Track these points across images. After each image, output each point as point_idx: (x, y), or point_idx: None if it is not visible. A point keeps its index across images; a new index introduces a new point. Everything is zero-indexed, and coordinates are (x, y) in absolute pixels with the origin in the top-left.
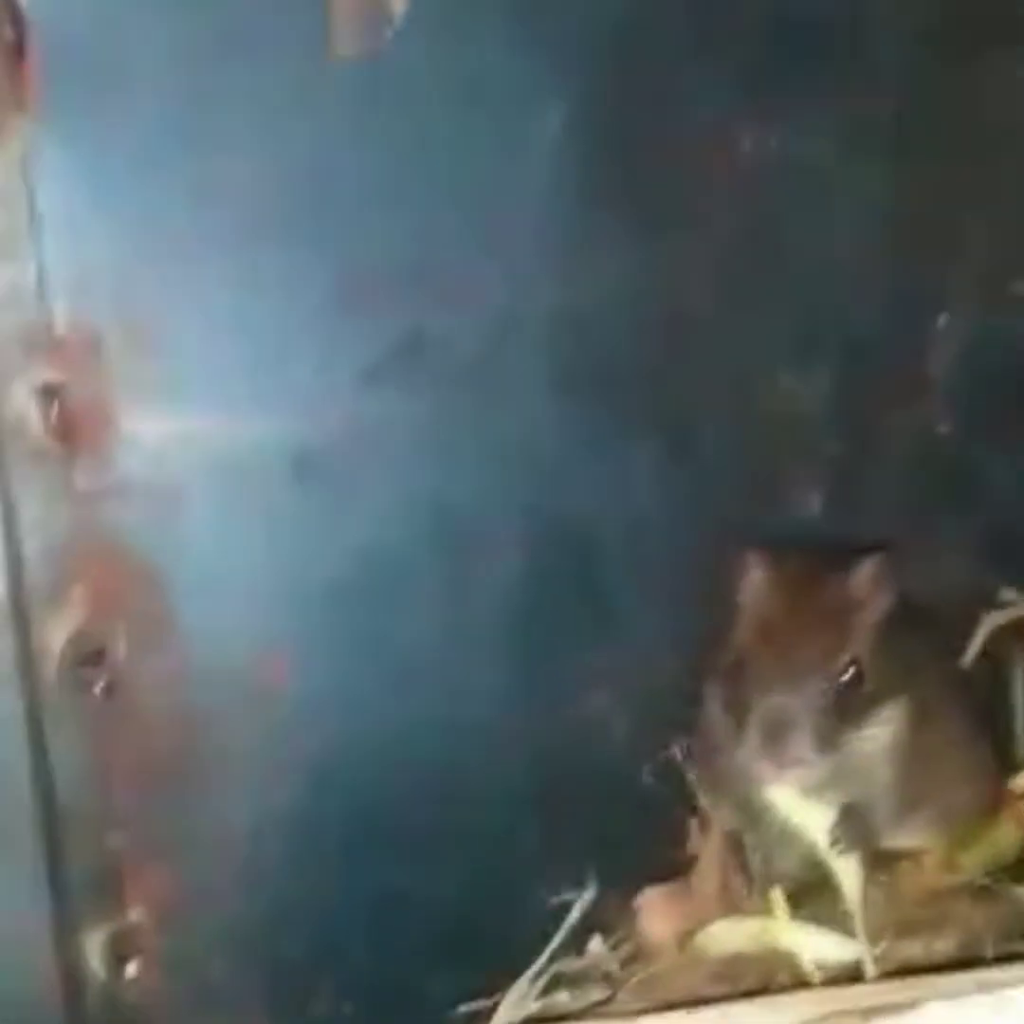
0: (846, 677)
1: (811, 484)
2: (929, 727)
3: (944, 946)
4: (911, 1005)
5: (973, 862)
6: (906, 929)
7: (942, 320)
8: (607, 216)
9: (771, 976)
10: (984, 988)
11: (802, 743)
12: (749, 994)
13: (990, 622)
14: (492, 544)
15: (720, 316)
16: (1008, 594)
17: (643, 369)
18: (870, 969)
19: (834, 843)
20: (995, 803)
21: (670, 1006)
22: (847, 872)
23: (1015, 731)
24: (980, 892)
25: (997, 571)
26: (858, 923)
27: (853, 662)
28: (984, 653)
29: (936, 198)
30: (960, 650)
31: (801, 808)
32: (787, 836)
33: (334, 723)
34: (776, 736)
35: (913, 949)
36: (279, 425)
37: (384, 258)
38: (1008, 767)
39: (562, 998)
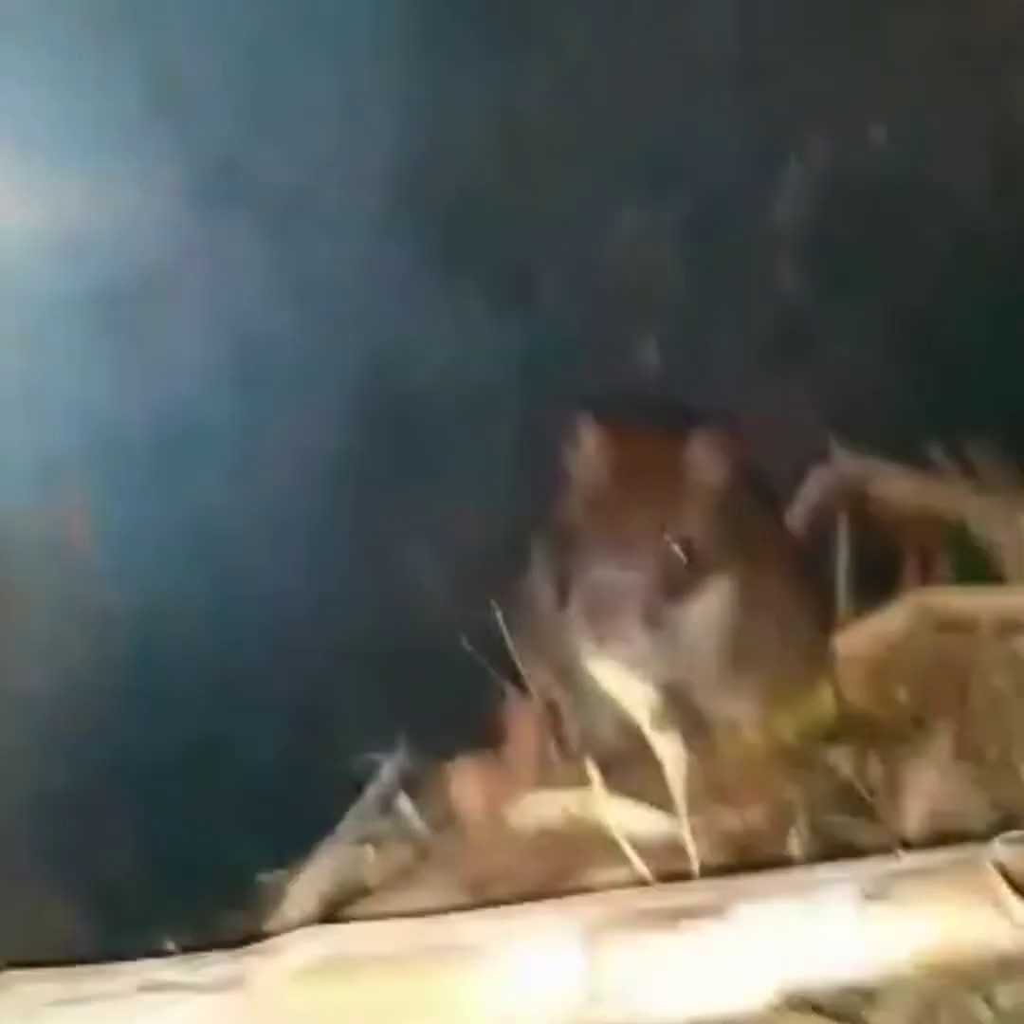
0: (675, 552)
1: (651, 337)
2: (755, 596)
3: (758, 817)
4: (719, 908)
5: (791, 728)
6: (723, 799)
7: (793, 166)
8: (443, 41)
9: (584, 851)
10: (795, 890)
11: (626, 619)
12: (546, 895)
13: (818, 478)
14: (309, 394)
15: (561, 150)
16: (837, 450)
17: (476, 207)
18: (689, 845)
19: (655, 721)
20: (815, 667)
21: (477, 881)
22: (668, 749)
23: (837, 591)
24: (796, 759)
25: (828, 427)
26: (678, 799)
27: (684, 536)
28: (810, 513)
29: (791, 41)
30: (785, 511)
31: (622, 682)
32: (606, 709)
33: (137, 580)
34: (599, 610)
35: (729, 820)
36: (82, 258)
37: (203, 78)
38: (828, 629)
39: (368, 855)
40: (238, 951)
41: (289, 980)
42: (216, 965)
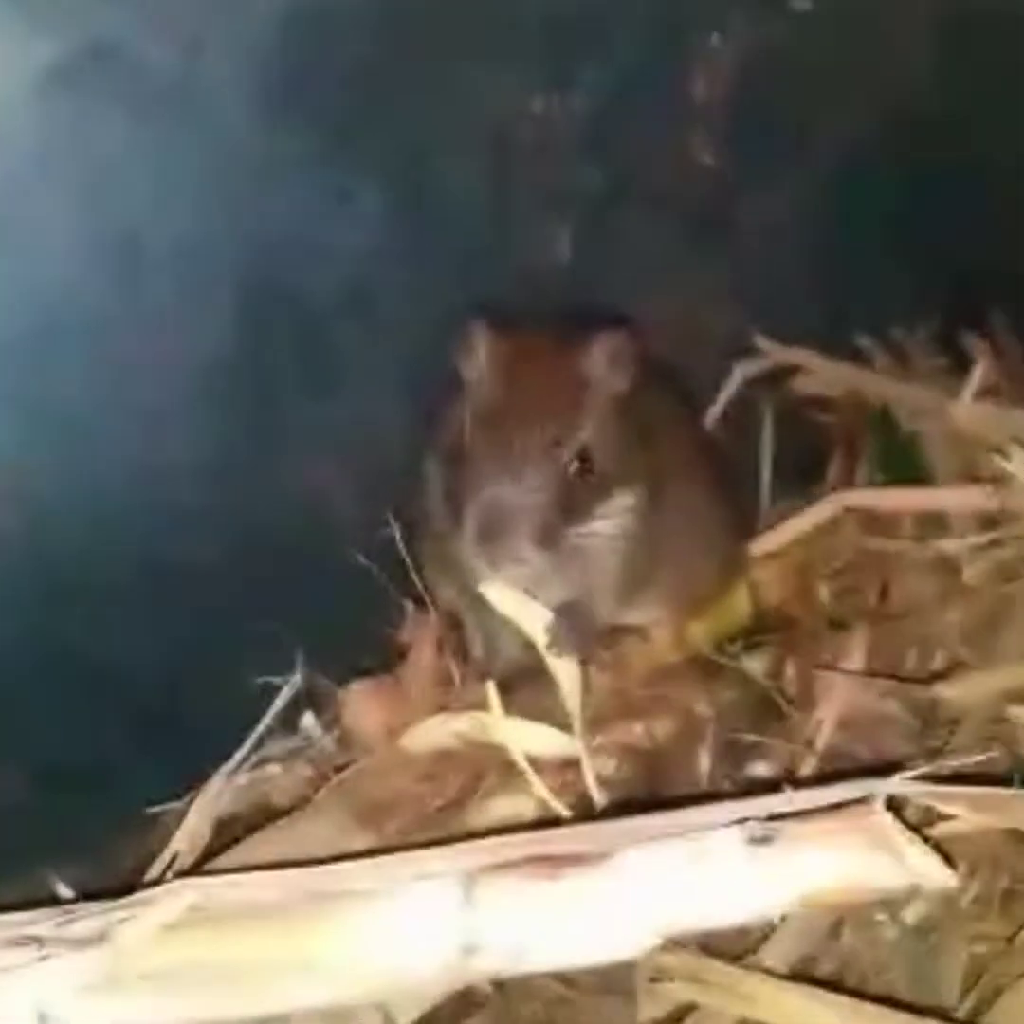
0: (572, 467)
1: (558, 230)
2: (664, 505)
3: (668, 731)
4: (603, 856)
5: (704, 634)
6: (628, 712)
7: (714, 38)
8: None
9: (481, 774)
10: (682, 834)
11: (519, 541)
12: (441, 825)
13: (741, 373)
14: (193, 293)
15: (459, 22)
16: (761, 341)
17: (368, 87)
18: (587, 771)
19: (551, 644)
20: (730, 571)
21: (373, 810)
22: (565, 672)
23: (760, 489)
24: (708, 667)
25: (751, 318)
26: (575, 724)
27: (581, 450)
28: (731, 411)
29: None
30: (703, 412)
31: (516, 604)
32: (503, 630)
33: (10, 490)
34: (493, 531)
35: (637, 736)
36: None
37: None
38: (747, 530)
39: (272, 771)
40: (108, 904)
41: (155, 936)
42: (85, 920)
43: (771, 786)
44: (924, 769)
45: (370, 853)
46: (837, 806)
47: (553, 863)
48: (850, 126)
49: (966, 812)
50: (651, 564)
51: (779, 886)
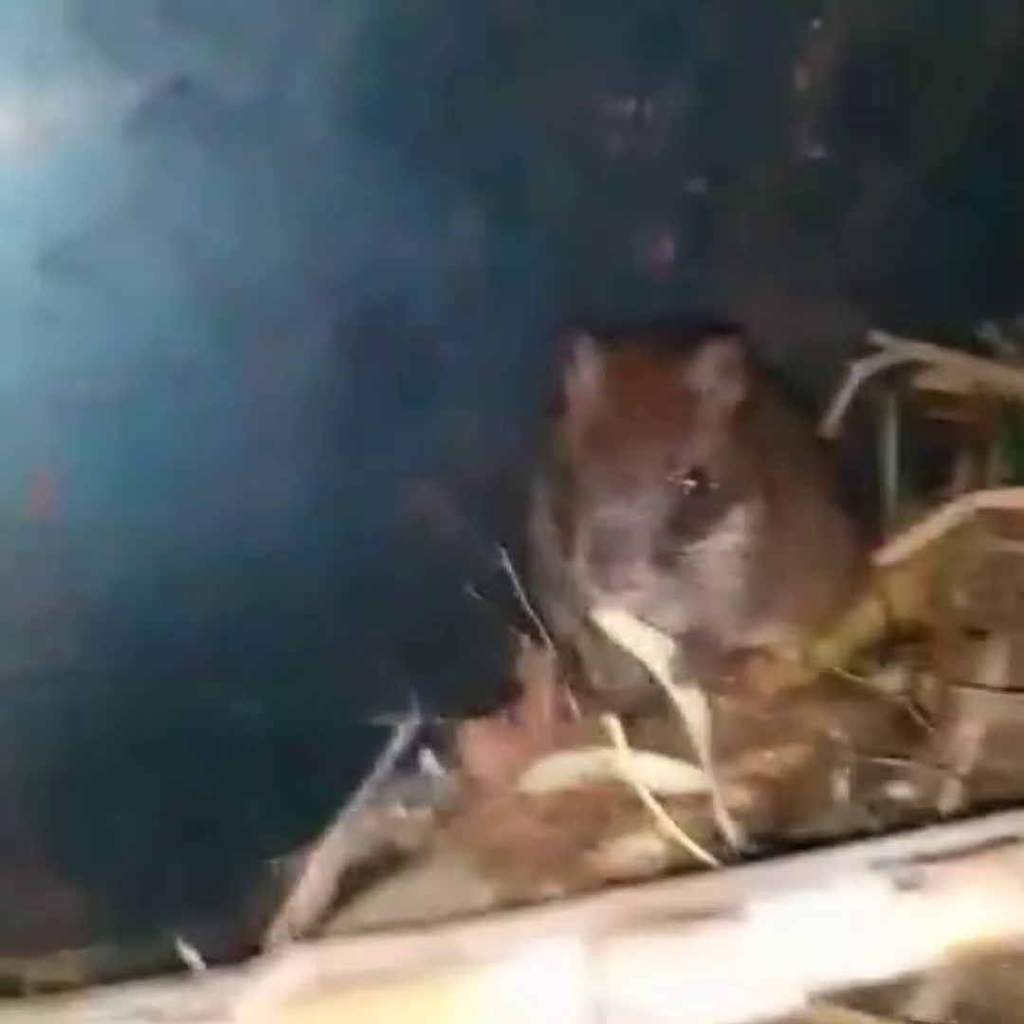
0: (686, 484)
1: (661, 232)
2: (784, 518)
3: (797, 758)
4: (736, 907)
5: (832, 652)
6: (757, 739)
7: (816, 23)
8: None
9: (606, 813)
10: (820, 881)
11: (636, 562)
12: (567, 868)
13: (859, 372)
14: (287, 324)
15: (547, 24)
16: (879, 338)
17: (454, 98)
18: (717, 806)
19: (673, 672)
20: (857, 583)
21: (495, 854)
22: (690, 703)
23: (884, 495)
24: (839, 687)
25: (866, 313)
26: (702, 756)
27: (695, 467)
28: (851, 414)
29: None
30: (820, 418)
31: (636, 633)
32: (623, 660)
33: (113, 545)
34: (606, 554)
35: (767, 765)
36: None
37: None
38: (873, 539)
39: (397, 813)
40: (228, 976)
41: (276, 1008)
42: (204, 993)
43: (912, 813)
44: None
45: (493, 907)
46: (985, 843)
47: (685, 917)
48: (960, 103)
49: None
50: (773, 581)
51: (928, 935)
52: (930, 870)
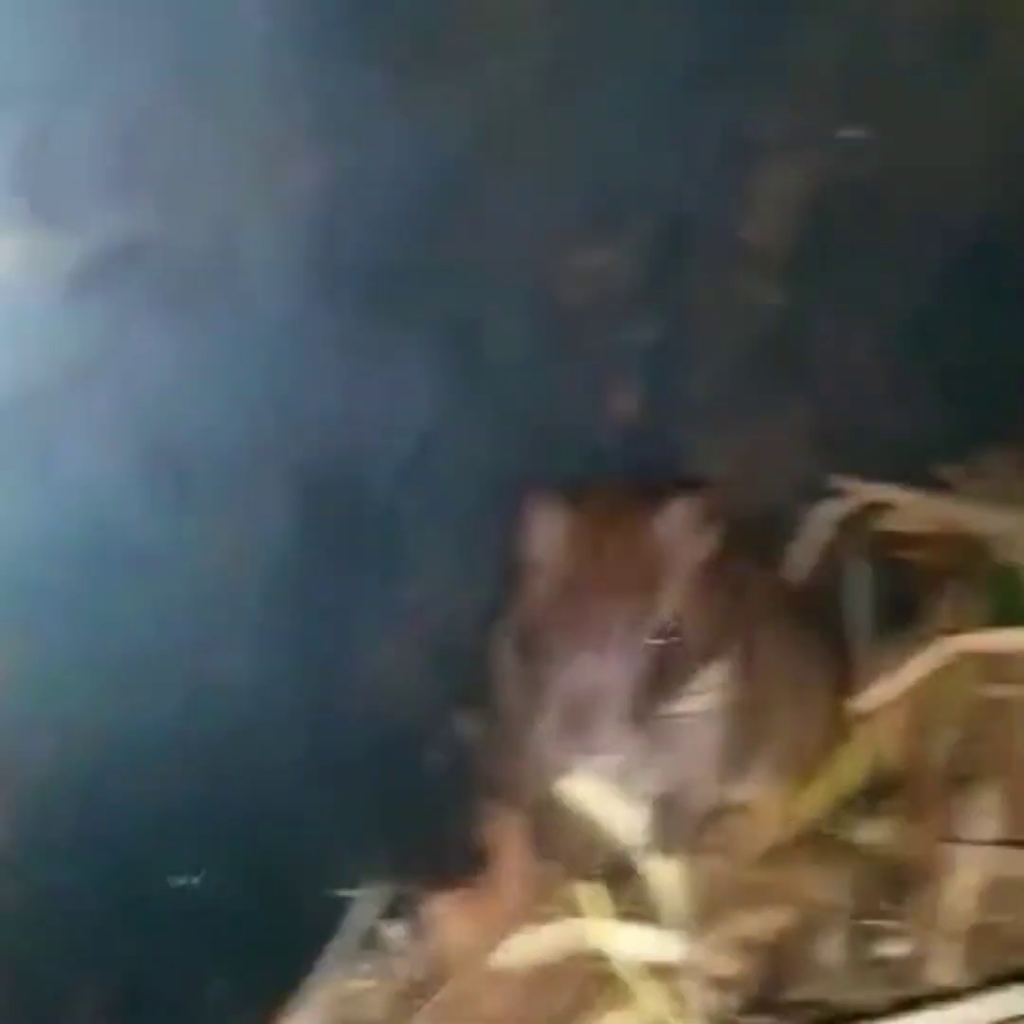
0: (661, 639)
1: (622, 386)
2: (758, 671)
3: (784, 921)
4: None
5: (814, 805)
6: (741, 901)
7: (765, 176)
8: (356, 74)
9: (586, 989)
10: None
11: (608, 725)
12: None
13: (822, 517)
14: (240, 491)
15: (500, 184)
16: (841, 481)
17: (411, 256)
18: (696, 984)
19: (649, 843)
20: (836, 733)
21: None
22: (668, 874)
23: (856, 642)
24: (823, 843)
25: (828, 457)
26: (682, 929)
27: (667, 623)
28: (816, 559)
29: (746, 39)
30: (787, 566)
31: (608, 803)
32: (594, 830)
33: (61, 724)
34: (576, 718)
35: (751, 927)
36: None
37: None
38: (847, 687)
39: (363, 986)
40: None
41: None
42: None
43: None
44: None
45: None
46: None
47: None
48: (915, 247)
49: None
50: (751, 736)
51: None
52: None
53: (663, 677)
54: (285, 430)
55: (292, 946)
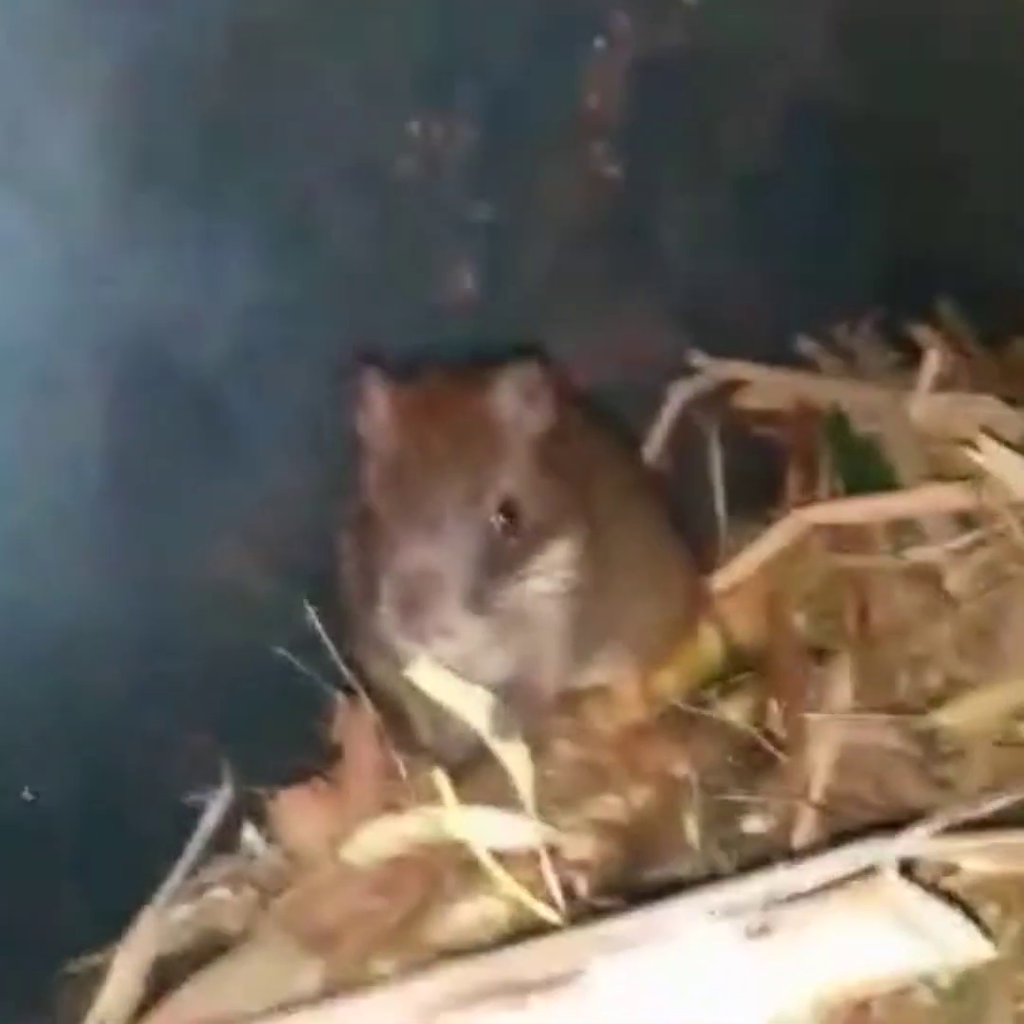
0: (496, 522)
1: (460, 263)
2: (608, 550)
3: (643, 801)
4: (575, 972)
5: (674, 685)
6: (601, 783)
7: (599, 42)
8: None
9: (440, 877)
10: (666, 935)
11: (446, 610)
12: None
13: (679, 394)
14: (63, 385)
15: (330, 51)
16: (696, 359)
17: (235, 128)
18: (546, 866)
19: (495, 729)
20: (693, 611)
21: (323, 934)
22: (515, 758)
23: (715, 519)
24: (682, 721)
25: (681, 335)
26: (529, 811)
27: (504, 501)
28: (672, 438)
29: None
30: (641, 445)
31: (451, 687)
32: (443, 716)
33: None
34: (413, 603)
35: (609, 809)
36: None
37: None
38: (707, 566)
39: (220, 896)
40: None
41: None
42: None
43: (767, 848)
44: (936, 824)
45: (318, 991)
46: (843, 878)
47: (518, 989)
48: (757, 115)
49: (993, 865)
50: (602, 619)
51: (787, 984)
52: (783, 912)
53: (503, 558)
54: (94, 311)
55: (142, 858)
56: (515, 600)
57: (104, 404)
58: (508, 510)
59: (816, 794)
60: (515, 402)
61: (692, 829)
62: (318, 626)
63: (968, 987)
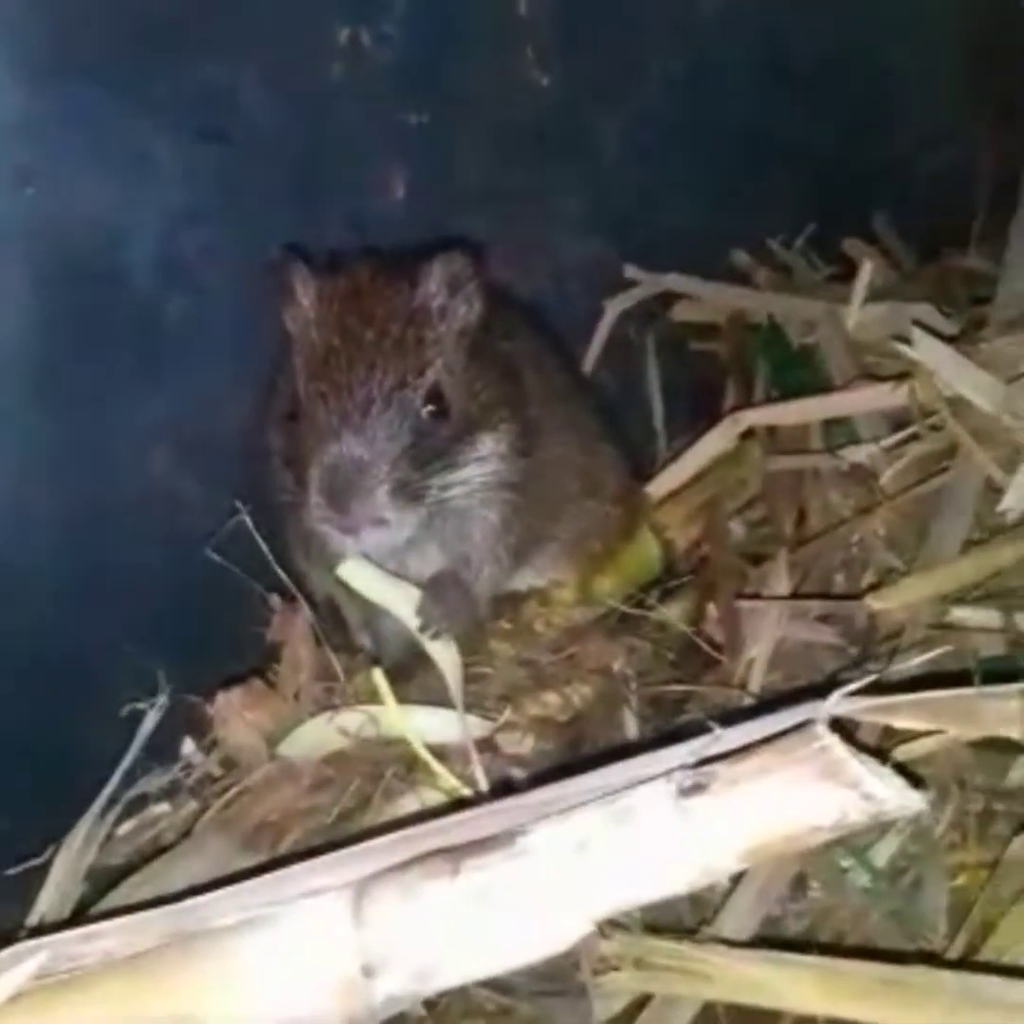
0: (424, 411)
1: (387, 166)
2: (543, 450)
3: (582, 699)
4: (509, 837)
5: (612, 588)
6: (540, 682)
7: None
8: None
9: (379, 774)
10: (598, 797)
11: (375, 497)
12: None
13: (615, 307)
14: None
15: None
16: (631, 272)
17: (162, 30)
18: (474, 759)
19: (423, 625)
20: (631, 515)
21: (260, 834)
22: (442, 653)
23: (651, 426)
24: (621, 623)
25: (616, 247)
26: (458, 706)
27: (432, 390)
28: (609, 347)
29: None
30: (578, 356)
31: (378, 581)
32: (376, 615)
33: None
34: (341, 493)
35: (548, 707)
36: None
37: None
38: (644, 470)
39: (159, 810)
40: None
41: None
42: None
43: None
44: (867, 679)
45: (248, 876)
46: (774, 736)
47: (452, 855)
48: (692, 30)
49: (923, 723)
50: (537, 519)
51: (720, 841)
52: (715, 770)
53: (432, 447)
54: (16, 213)
55: (80, 771)
56: (445, 492)
57: (32, 310)
58: (436, 400)
59: (754, 686)
60: (442, 291)
61: (630, 724)
62: (251, 527)
63: (902, 866)
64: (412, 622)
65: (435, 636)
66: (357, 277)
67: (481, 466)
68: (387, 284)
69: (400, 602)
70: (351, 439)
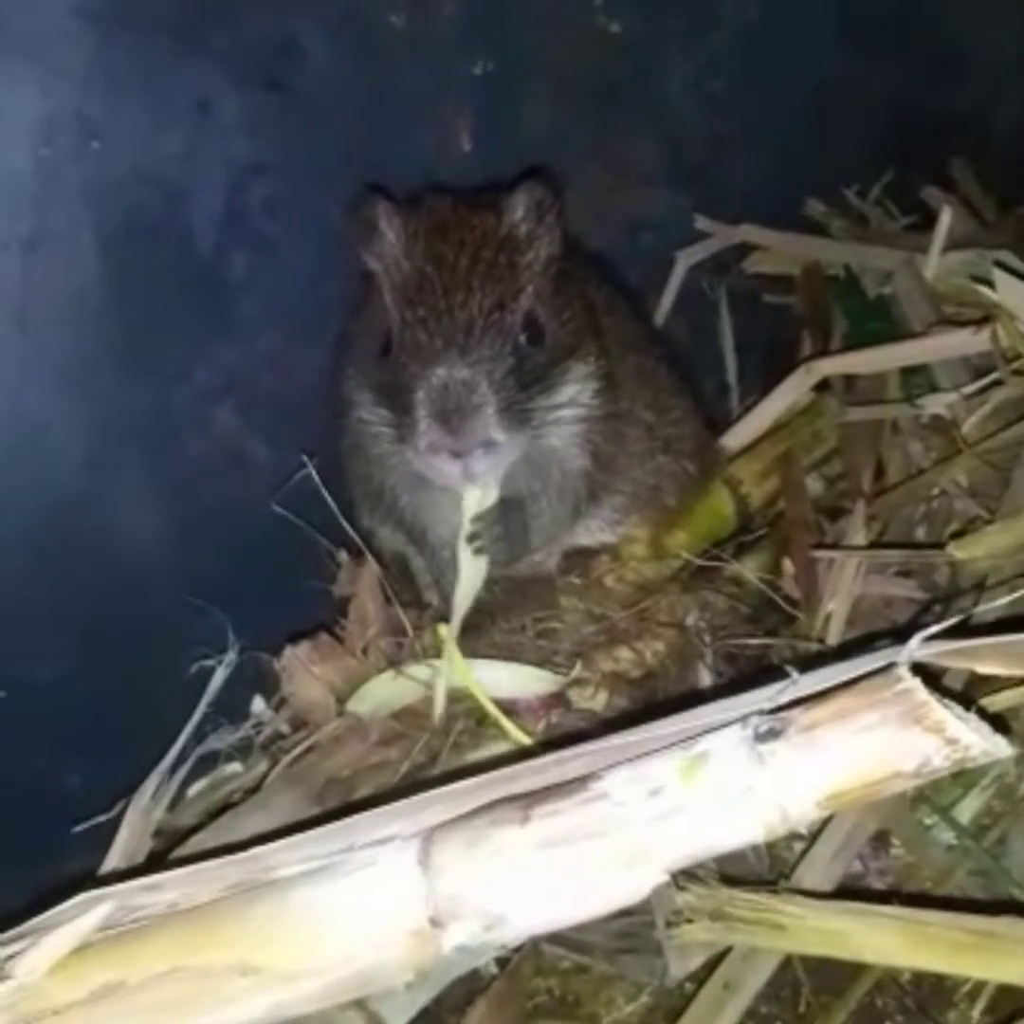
0: (521, 334)
1: (456, 114)
2: (621, 390)
3: (655, 652)
4: (580, 784)
5: (687, 543)
6: (612, 639)
7: None
8: None
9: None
10: (672, 745)
11: (484, 420)
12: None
13: (686, 260)
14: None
15: None
16: (703, 223)
17: None
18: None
19: (471, 537)
20: (706, 470)
21: (332, 784)
22: (469, 564)
23: (729, 387)
24: (696, 577)
25: (688, 198)
26: (456, 619)
27: (528, 315)
28: (682, 303)
29: None
30: (651, 308)
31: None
32: (454, 572)
33: None
34: (452, 410)
35: (621, 663)
36: None
37: None
38: (718, 424)
39: (230, 770)
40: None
41: (64, 964)
42: None
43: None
44: (950, 621)
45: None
46: (854, 681)
47: (522, 802)
48: None
49: (1008, 668)
50: (609, 466)
51: (797, 787)
52: (792, 715)
53: (530, 368)
54: (80, 167)
55: (149, 730)
56: (548, 414)
57: (99, 265)
58: (531, 325)
59: (832, 640)
60: (529, 218)
61: (705, 679)
62: (318, 482)
63: (987, 821)
64: (465, 527)
65: (478, 551)
66: (440, 210)
67: (575, 391)
68: (471, 215)
69: (470, 504)
70: (457, 361)
